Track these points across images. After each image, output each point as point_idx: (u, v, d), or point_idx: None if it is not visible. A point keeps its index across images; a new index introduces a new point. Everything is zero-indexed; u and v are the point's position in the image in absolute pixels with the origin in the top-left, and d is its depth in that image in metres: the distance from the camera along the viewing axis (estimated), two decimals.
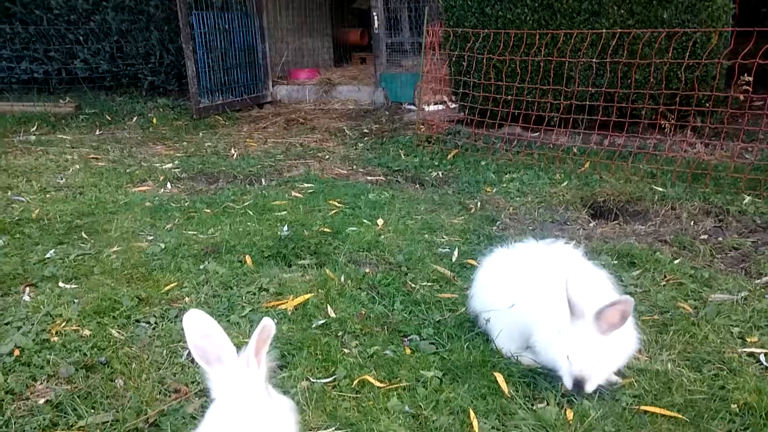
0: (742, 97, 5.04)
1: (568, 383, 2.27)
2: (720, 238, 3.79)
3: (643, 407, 2.23)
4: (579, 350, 2.23)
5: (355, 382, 2.41)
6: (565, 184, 4.88)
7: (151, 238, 4.01)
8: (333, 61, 11.77)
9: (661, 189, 4.59)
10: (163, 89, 9.31)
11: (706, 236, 3.83)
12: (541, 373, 2.44)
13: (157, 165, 5.91)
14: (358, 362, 2.56)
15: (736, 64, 4.71)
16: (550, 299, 2.37)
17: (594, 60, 5.59)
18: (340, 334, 2.80)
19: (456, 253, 3.64)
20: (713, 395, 2.27)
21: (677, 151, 5.24)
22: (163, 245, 3.82)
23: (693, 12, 5.45)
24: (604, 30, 5.55)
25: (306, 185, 5.17)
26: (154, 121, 7.96)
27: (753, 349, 2.56)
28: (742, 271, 3.35)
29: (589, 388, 2.25)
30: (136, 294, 3.15)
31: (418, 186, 5.20)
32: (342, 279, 3.32)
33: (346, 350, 2.66)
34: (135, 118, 8.13)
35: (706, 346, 2.59)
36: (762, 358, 2.50)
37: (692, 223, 4.01)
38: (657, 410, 2.20)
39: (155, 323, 2.93)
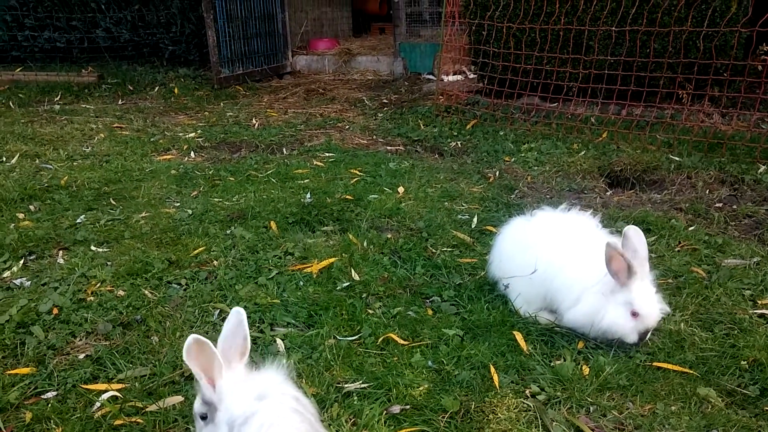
0: (760, 66, 5.01)
1: (632, 338, 2.40)
2: (734, 206, 3.84)
3: (656, 363, 2.33)
4: (650, 305, 2.38)
5: (380, 340, 2.53)
6: (582, 153, 4.92)
7: (178, 204, 4.14)
8: (352, 31, 11.72)
9: (677, 158, 4.62)
10: (184, 59, 9.37)
11: (720, 204, 3.88)
12: (558, 332, 2.55)
13: (180, 134, 6.02)
14: (382, 322, 2.68)
15: (755, 32, 4.67)
16: (575, 265, 2.50)
17: (613, 28, 5.56)
18: (364, 295, 2.91)
19: (475, 220, 3.73)
20: (724, 353, 2.37)
21: (694, 120, 5.23)
22: (190, 211, 3.95)
23: None
24: None
25: (327, 154, 5.25)
26: (176, 91, 8.04)
27: (764, 311, 2.64)
28: (755, 237, 3.41)
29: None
30: (166, 257, 3.28)
31: (437, 155, 5.26)
32: (365, 244, 3.42)
33: (370, 311, 2.77)
34: (157, 88, 8.22)
35: (718, 308, 2.68)
36: None
37: (707, 191, 4.06)
38: (669, 366, 2.30)
39: (186, 285, 3.05)
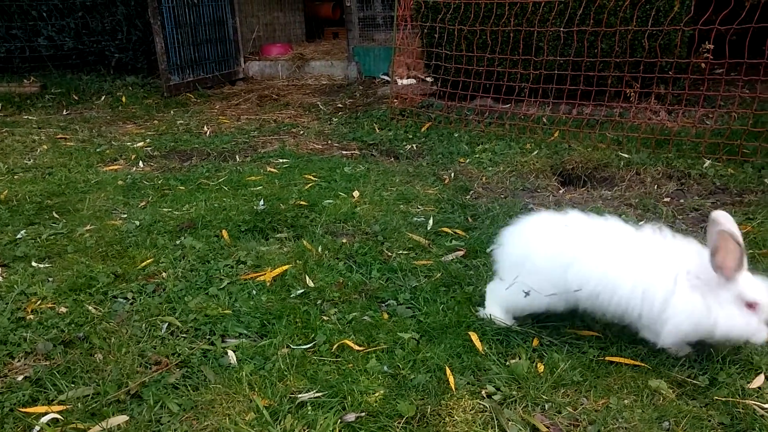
0: (703, 64, 5.17)
1: (762, 335, 2.11)
2: (682, 200, 3.94)
3: (608, 358, 2.35)
4: (763, 288, 2.11)
5: (335, 347, 2.48)
6: (535, 153, 4.98)
7: (125, 215, 4.00)
8: (305, 36, 11.65)
9: (626, 155, 4.72)
10: (132, 67, 9.12)
11: (668, 199, 3.98)
12: (513, 331, 2.54)
13: (128, 144, 5.84)
14: (337, 328, 2.63)
15: (697, 30, 4.82)
16: (643, 270, 2.23)
17: (562, 29, 5.66)
18: (318, 302, 2.86)
19: (431, 222, 3.72)
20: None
21: (642, 118, 5.37)
22: (137, 222, 3.82)
23: None
24: None
25: (281, 160, 5.17)
26: (124, 99, 7.82)
27: None
28: (702, 230, 3.49)
29: None
30: (112, 271, 3.16)
31: (392, 159, 5.25)
32: (319, 250, 3.37)
33: (325, 317, 2.72)
34: (103, 97, 7.97)
35: None
36: None
37: (656, 186, 4.16)
38: (621, 360, 2.32)
39: (133, 298, 2.94)
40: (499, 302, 2.58)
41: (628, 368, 2.28)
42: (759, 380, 2.18)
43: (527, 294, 2.43)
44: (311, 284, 3.02)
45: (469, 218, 3.81)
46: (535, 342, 2.46)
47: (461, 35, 6.16)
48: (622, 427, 2.01)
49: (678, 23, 5.27)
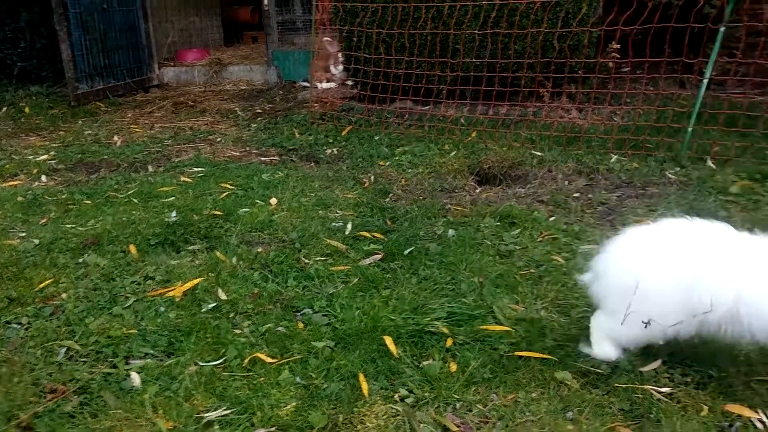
0: (610, 63, 5.40)
1: None
2: (590, 195, 4.08)
3: (518, 353, 2.38)
4: None
5: (246, 361, 2.40)
6: (453, 153, 5.04)
7: (24, 234, 3.74)
8: (223, 40, 11.35)
9: (539, 153, 4.86)
10: (36, 75, 8.58)
11: (578, 194, 4.11)
12: (427, 332, 2.53)
13: (31, 157, 5.48)
14: (249, 341, 2.55)
15: (603, 31, 5.04)
16: None
17: (477, 32, 5.77)
18: (231, 315, 2.76)
19: (349, 226, 3.68)
20: (580, 335, 2.45)
21: (554, 117, 5.55)
22: (36, 241, 3.58)
23: None
24: (485, 2, 5.73)
25: (196, 169, 4.99)
26: (27, 110, 7.34)
27: None
28: (608, 223, 3.64)
29: None
30: (5, 294, 2.94)
31: (312, 164, 5.18)
32: (234, 260, 3.26)
33: (237, 331, 2.63)
34: (4, 109, 7.46)
35: (575, 293, 2.79)
36: None
37: (566, 182, 4.30)
38: (530, 354, 2.36)
39: (28, 323, 2.75)
40: (612, 336, 2.23)
41: (536, 362, 2.32)
42: (656, 364, 2.26)
43: (647, 325, 2.09)
44: (224, 297, 2.91)
45: (388, 221, 3.79)
46: (449, 342, 2.46)
47: (380, 38, 6.17)
48: (530, 420, 2.04)
49: (585, 25, 5.48)
